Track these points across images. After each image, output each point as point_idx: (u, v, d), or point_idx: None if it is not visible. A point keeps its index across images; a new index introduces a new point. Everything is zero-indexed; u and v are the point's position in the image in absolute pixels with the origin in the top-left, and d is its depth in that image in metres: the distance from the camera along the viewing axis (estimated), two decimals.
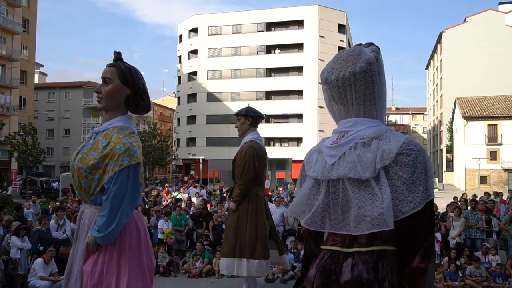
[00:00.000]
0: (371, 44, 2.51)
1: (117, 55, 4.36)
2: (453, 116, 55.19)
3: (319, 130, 56.34)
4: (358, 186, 2.20)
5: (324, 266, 2.27)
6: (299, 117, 57.74)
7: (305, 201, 2.38)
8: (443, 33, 62.70)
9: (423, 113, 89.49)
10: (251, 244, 7.44)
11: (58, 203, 13.48)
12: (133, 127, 4.28)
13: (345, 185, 2.24)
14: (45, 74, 72.88)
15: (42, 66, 71.48)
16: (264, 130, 57.99)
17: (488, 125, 47.29)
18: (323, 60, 57.17)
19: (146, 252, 4.11)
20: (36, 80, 57.61)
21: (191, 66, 62.80)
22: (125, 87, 4.20)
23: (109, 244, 3.94)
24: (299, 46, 58.25)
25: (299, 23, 58.53)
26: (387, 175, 2.14)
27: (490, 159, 46.07)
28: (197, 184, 28.56)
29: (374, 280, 2.09)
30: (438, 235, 10.14)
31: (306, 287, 2.34)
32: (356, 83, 2.30)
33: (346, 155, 2.25)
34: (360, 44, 2.52)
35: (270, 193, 21.38)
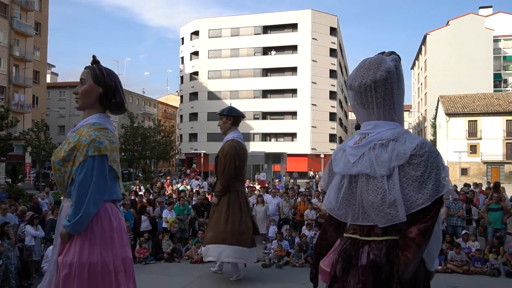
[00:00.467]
0: (393, 53, 2.61)
1: (94, 59, 4.40)
2: (436, 112, 55.36)
3: (312, 126, 56.41)
4: (372, 183, 2.32)
5: (345, 251, 2.42)
6: (293, 114, 57.76)
7: (334, 194, 2.50)
8: (427, 36, 62.78)
9: (409, 110, 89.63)
10: (233, 233, 7.56)
11: None
12: (107, 124, 4.25)
13: (362, 181, 2.36)
14: (56, 74, 72.71)
15: (54, 66, 71.31)
16: (261, 126, 58.25)
17: (468, 121, 47.52)
18: (315, 61, 57.19)
19: (120, 244, 4.02)
20: (48, 80, 57.43)
21: (193, 66, 62.81)
22: (97, 86, 4.19)
23: (80, 235, 3.86)
24: (293, 48, 58.23)
25: (293, 26, 58.51)
26: (401, 174, 2.26)
27: (471, 153, 46.28)
28: (199, 177, 28.58)
29: (386, 264, 2.26)
30: None
31: (327, 271, 2.54)
32: (376, 89, 2.41)
33: (365, 154, 2.37)
34: (382, 53, 2.62)
35: (266, 185, 21.40)
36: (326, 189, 2.68)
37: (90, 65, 4.36)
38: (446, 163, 2.85)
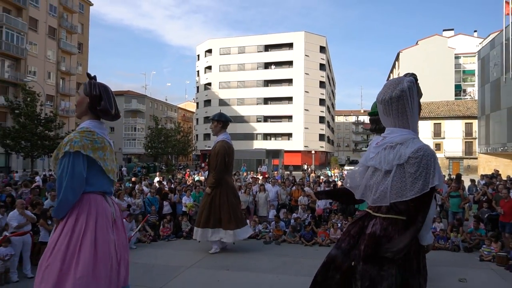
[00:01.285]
0: (412, 75, 2.85)
1: (88, 76, 4.40)
2: None
3: (304, 128, 56.42)
4: (376, 174, 2.59)
5: (361, 223, 2.67)
6: (289, 117, 57.77)
7: (356, 176, 2.77)
8: (400, 53, 62.54)
9: None
10: (223, 218, 7.74)
11: None
12: (96, 128, 4.19)
13: (372, 171, 2.62)
14: None
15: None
16: (263, 127, 58.31)
17: (434, 123, 47.69)
18: (308, 74, 57.11)
19: (102, 230, 3.91)
20: None
21: (207, 78, 62.86)
22: (86, 97, 4.18)
23: (66, 221, 3.80)
24: (289, 63, 58.22)
25: (289, 45, 58.51)
26: (400, 170, 2.45)
27: (436, 150, 46.17)
28: None
29: (383, 236, 2.46)
30: None
31: (344, 237, 2.76)
32: (392, 104, 2.64)
33: (379, 153, 2.58)
34: (406, 74, 2.84)
35: (267, 176, 21.40)
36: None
37: (89, 79, 4.38)
38: None
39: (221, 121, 8.30)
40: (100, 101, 4.24)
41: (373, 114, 6.27)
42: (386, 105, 2.73)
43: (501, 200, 9.22)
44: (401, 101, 2.68)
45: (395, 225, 2.51)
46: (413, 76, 2.90)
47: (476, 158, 43.00)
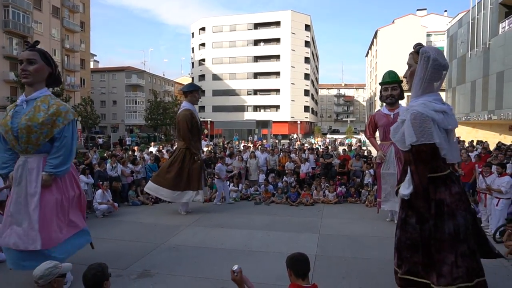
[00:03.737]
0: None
1: (35, 42, 4.28)
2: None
3: (291, 100, 56.25)
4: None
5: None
6: (277, 91, 57.43)
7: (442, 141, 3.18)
8: (378, 31, 61.67)
9: (363, 88, 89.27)
10: (188, 180, 7.91)
11: (111, 152, 13.45)
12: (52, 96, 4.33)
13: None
14: (98, 61, 70.86)
15: (95, 55, 69.60)
16: (253, 100, 57.93)
17: (407, 95, 47.52)
18: (294, 50, 56.33)
19: (71, 186, 4.37)
20: (91, 66, 56.14)
21: (201, 55, 61.67)
22: (48, 67, 4.17)
23: (59, 177, 4.13)
24: (277, 40, 57.28)
25: (277, 23, 57.35)
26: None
27: None
28: (207, 138, 28.50)
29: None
30: (371, 171, 10.26)
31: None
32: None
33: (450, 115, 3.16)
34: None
35: (259, 143, 21.38)
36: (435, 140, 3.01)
37: (33, 47, 4.19)
38: None
39: (183, 91, 8.40)
40: (58, 72, 4.35)
41: (396, 82, 7.02)
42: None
43: (462, 163, 9.40)
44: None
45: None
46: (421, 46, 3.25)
47: None
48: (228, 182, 10.18)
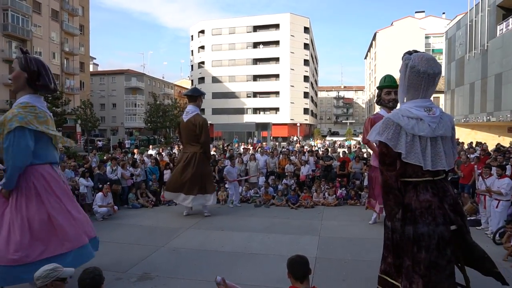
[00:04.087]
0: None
1: (21, 50, 4.24)
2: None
3: (290, 102, 56.26)
4: (447, 142, 3.30)
5: (436, 192, 3.20)
6: (276, 93, 57.36)
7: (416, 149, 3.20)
8: (377, 33, 61.92)
9: (362, 90, 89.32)
10: (204, 183, 8.00)
11: (110, 155, 13.45)
12: (36, 102, 4.05)
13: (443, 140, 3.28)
14: (97, 64, 70.81)
15: (95, 58, 69.48)
16: (252, 102, 57.94)
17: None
18: (293, 53, 56.41)
19: (51, 197, 3.94)
20: (91, 69, 56.14)
21: (200, 57, 61.66)
22: (23, 72, 4.05)
23: (17, 192, 3.82)
24: (276, 43, 57.24)
25: (276, 26, 57.35)
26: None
27: None
28: None
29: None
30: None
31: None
32: (437, 78, 3.33)
33: (440, 122, 3.24)
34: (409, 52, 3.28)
35: (259, 146, 21.36)
36: (396, 146, 3.04)
37: (19, 55, 4.13)
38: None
39: (187, 95, 8.48)
40: (39, 77, 4.09)
41: (392, 86, 6.67)
42: (437, 78, 3.12)
43: (461, 165, 9.41)
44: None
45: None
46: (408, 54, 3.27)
47: None
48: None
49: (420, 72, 3.07)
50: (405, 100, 3.28)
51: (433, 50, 65.06)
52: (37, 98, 4.23)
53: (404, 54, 3.28)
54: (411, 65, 3.09)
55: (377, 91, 7.07)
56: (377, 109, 8.04)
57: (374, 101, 7.61)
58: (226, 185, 9.98)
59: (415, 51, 3.27)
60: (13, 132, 3.79)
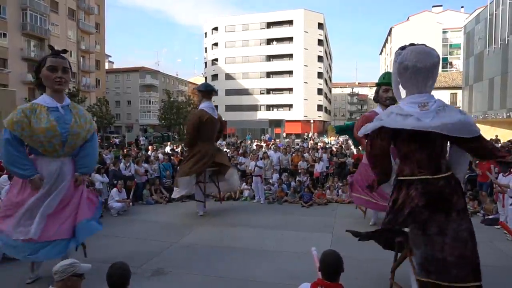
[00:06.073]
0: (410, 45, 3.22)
1: (63, 50, 4.47)
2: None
3: (304, 99, 55.93)
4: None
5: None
6: (290, 90, 57.10)
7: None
8: (393, 28, 60.95)
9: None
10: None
11: (125, 152, 13.62)
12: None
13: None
14: (112, 62, 71.71)
15: (110, 56, 70.23)
16: (266, 99, 57.85)
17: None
18: (307, 49, 56.03)
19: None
20: (106, 67, 56.86)
21: (214, 54, 61.85)
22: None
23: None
24: (290, 39, 56.95)
25: (290, 22, 57.04)
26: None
27: None
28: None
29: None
30: None
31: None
32: (435, 70, 3.31)
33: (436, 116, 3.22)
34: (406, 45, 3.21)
35: (271, 143, 21.29)
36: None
37: (62, 54, 4.35)
38: None
39: (200, 91, 8.36)
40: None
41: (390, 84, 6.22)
42: (430, 71, 3.02)
43: (479, 163, 9.22)
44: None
45: None
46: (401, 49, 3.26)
47: None
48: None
49: (408, 67, 3.03)
50: (404, 96, 3.31)
51: (450, 45, 63.78)
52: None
53: (397, 50, 3.20)
54: (399, 60, 3.06)
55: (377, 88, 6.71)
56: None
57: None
58: (252, 184, 9.99)
59: (412, 45, 3.18)
60: (94, 132, 4.58)
